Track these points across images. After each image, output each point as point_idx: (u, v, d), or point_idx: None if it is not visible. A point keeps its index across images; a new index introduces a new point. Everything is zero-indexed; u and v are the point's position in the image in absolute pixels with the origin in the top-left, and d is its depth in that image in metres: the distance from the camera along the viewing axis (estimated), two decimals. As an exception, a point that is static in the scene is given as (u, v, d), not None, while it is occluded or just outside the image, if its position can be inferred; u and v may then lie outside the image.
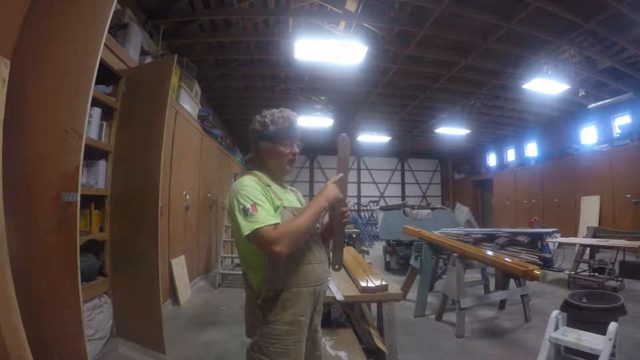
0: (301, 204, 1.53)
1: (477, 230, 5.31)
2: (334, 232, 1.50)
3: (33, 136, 1.95)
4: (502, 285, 4.27)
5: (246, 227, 1.23)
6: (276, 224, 1.25)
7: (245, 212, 1.25)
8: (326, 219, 1.50)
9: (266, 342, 1.31)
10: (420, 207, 7.99)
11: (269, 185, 1.40)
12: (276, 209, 1.34)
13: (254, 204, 1.27)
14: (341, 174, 1.43)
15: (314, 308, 1.41)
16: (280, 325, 1.30)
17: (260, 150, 1.49)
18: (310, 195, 14.53)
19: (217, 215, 7.00)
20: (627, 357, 2.69)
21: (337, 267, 1.51)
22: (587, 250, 5.53)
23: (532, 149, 13.14)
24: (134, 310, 2.98)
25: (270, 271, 1.33)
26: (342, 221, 1.46)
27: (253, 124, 1.50)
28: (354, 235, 6.69)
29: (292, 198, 1.52)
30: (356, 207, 15.85)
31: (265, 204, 1.30)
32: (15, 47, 1.91)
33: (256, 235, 1.23)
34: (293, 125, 1.47)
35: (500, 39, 6.07)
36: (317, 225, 1.45)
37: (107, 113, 3.00)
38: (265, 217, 1.25)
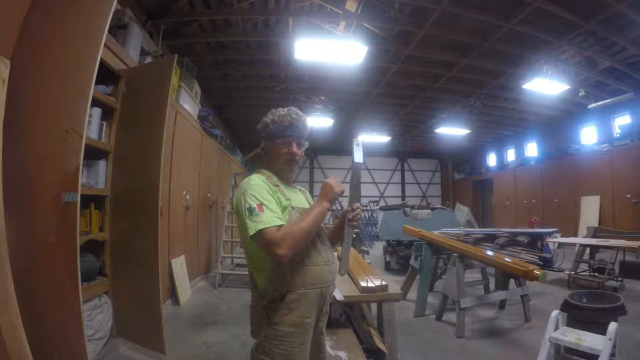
0: (310, 205, 1.50)
1: (477, 230, 5.31)
2: (344, 236, 1.47)
3: (33, 136, 1.95)
4: (502, 285, 4.26)
5: (251, 227, 1.22)
6: (280, 226, 1.23)
7: (251, 211, 1.24)
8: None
9: (271, 344, 1.29)
10: (420, 207, 7.99)
11: (277, 185, 1.38)
12: (284, 209, 1.32)
13: (261, 204, 1.25)
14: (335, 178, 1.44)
15: (320, 310, 1.40)
16: (285, 327, 1.29)
17: (264, 149, 1.49)
18: (313, 196, 14.50)
19: (217, 215, 6.99)
20: (627, 357, 2.68)
21: (342, 272, 1.50)
22: (587, 250, 5.53)
23: (532, 149, 13.14)
24: (134, 310, 2.97)
25: (276, 272, 1.30)
26: (351, 225, 1.44)
27: (260, 123, 1.50)
28: (354, 235, 6.68)
29: (300, 198, 1.50)
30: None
31: (272, 204, 1.28)
32: (15, 47, 1.91)
33: (260, 235, 1.21)
34: (292, 124, 1.43)
35: (500, 39, 6.07)
36: (326, 223, 1.44)
37: (107, 113, 3.00)
38: (271, 217, 1.23)
